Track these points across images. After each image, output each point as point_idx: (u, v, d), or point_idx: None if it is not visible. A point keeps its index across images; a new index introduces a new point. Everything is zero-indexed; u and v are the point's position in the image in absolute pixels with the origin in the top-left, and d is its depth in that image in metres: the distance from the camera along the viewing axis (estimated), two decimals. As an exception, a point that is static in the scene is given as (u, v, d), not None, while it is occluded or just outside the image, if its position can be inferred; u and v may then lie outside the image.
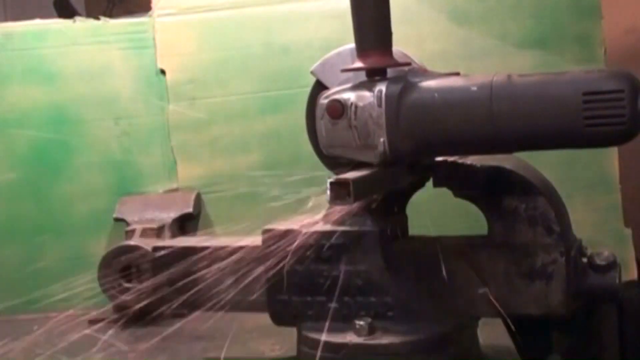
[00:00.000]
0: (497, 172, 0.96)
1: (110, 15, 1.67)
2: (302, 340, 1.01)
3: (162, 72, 1.57)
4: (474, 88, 0.90)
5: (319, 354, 0.97)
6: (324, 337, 0.97)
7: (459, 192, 0.99)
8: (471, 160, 0.98)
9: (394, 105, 0.92)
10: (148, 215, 1.49)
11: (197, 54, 1.57)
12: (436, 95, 0.92)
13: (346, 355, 0.95)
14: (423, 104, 0.92)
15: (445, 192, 0.99)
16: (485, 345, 1.07)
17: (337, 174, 1.01)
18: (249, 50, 1.56)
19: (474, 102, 0.89)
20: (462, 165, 0.97)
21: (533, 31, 1.51)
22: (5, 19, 2.70)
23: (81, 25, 1.59)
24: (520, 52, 1.50)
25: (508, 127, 0.89)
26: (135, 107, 1.58)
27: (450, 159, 0.98)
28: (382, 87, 0.93)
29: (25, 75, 1.58)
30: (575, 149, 0.92)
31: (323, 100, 0.97)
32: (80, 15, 1.89)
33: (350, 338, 0.96)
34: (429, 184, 1.02)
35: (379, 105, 0.93)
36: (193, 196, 1.53)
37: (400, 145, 0.93)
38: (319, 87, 1.05)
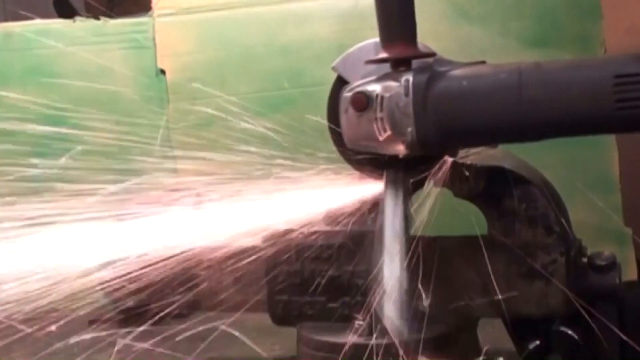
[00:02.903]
0: (497, 172, 0.96)
1: (110, 15, 1.67)
2: (302, 340, 1.01)
3: (162, 72, 1.57)
4: (503, 75, 0.89)
5: (318, 354, 0.97)
6: (324, 337, 0.97)
7: (459, 192, 0.99)
8: (471, 160, 0.98)
9: (422, 93, 0.91)
10: (148, 215, 1.49)
11: (197, 54, 1.57)
12: (464, 82, 0.91)
13: (346, 355, 0.95)
14: (451, 92, 0.91)
15: (445, 192, 0.99)
16: (485, 345, 1.07)
17: (360, 172, 1.01)
18: (249, 50, 1.56)
19: (503, 89, 0.89)
20: (462, 165, 0.97)
21: (533, 31, 1.51)
22: (5, 19, 2.70)
23: (81, 25, 1.59)
24: (520, 51, 1.50)
25: (538, 113, 0.88)
26: (135, 107, 1.58)
27: (450, 159, 0.98)
28: (408, 76, 0.92)
29: (25, 75, 1.58)
30: (605, 135, 0.90)
31: (347, 93, 0.96)
32: (80, 15, 1.88)
33: (350, 338, 0.96)
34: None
35: (406, 95, 0.92)
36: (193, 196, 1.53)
37: (429, 134, 0.92)
38: (341, 83, 1.04)
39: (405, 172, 0.93)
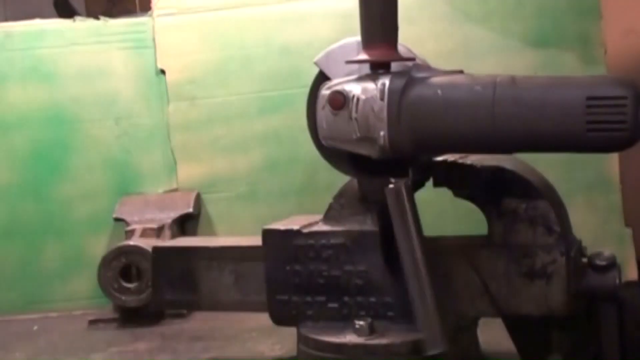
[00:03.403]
0: (497, 172, 0.96)
1: (110, 15, 1.67)
2: (302, 340, 1.01)
3: (162, 72, 1.57)
4: (478, 88, 0.90)
5: (318, 354, 0.97)
6: (323, 337, 0.97)
7: (459, 192, 0.99)
8: (471, 160, 0.98)
9: (397, 99, 0.92)
10: (148, 215, 1.49)
11: (197, 54, 1.57)
12: (439, 92, 0.91)
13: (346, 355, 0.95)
14: (426, 100, 0.92)
15: (445, 192, 0.99)
16: (485, 345, 1.07)
17: (335, 167, 1.01)
18: (249, 50, 1.56)
19: (476, 101, 0.89)
20: (462, 165, 0.97)
21: (534, 31, 1.51)
22: (5, 19, 2.70)
23: (81, 25, 1.59)
24: (520, 52, 1.50)
25: (509, 129, 0.89)
26: (135, 107, 1.58)
27: (451, 158, 0.98)
28: (385, 80, 0.93)
29: (25, 75, 1.58)
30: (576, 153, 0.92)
31: (325, 91, 0.97)
32: (80, 15, 1.89)
33: (350, 338, 0.96)
34: (429, 184, 1.02)
35: (382, 99, 0.92)
36: (193, 196, 1.53)
37: (400, 140, 0.92)
38: (322, 78, 1.04)
39: (408, 190, 0.93)
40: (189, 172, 1.57)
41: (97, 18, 1.60)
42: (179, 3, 1.57)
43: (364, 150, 0.95)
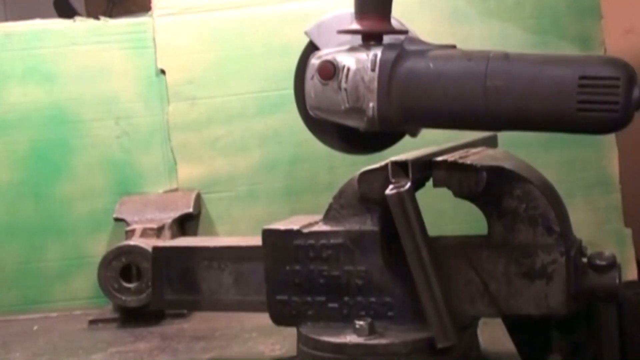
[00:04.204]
0: (497, 172, 0.96)
1: (110, 15, 1.67)
2: (302, 340, 1.01)
3: (162, 72, 1.57)
4: (470, 62, 0.89)
5: (318, 354, 0.97)
6: (323, 337, 0.97)
7: (459, 192, 0.99)
8: (471, 160, 0.98)
9: (388, 71, 0.91)
10: (148, 215, 1.49)
11: (197, 54, 1.57)
12: (431, 65, 0.91)
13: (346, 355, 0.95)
14: (417, 73, 0.91)
15: (445, 192, 0.99)
16: (486, 345, 1.07)
17: (319, 138, 1.01)
18: (249, 50, 1.56)
19: (468, 75, 0.89)
20: (462, 165, 0.97)
21: (533, 31, 1.51)
22: (5, 19, 2.70)
23: (81, 25, 1.59)
24: (520, 52, 1.50)
25: (500, 104, 0.88)
26: (135, 107, 1.58)
27: (451, 159, 0.98)
28: (377, 51, 0.92)
29: (25, 75, 1.58)
30: (568, 134, 0.92)
31: (315, 60, 0.96)
32: (80, 15, 1.89)
33: (350, 338, 0.96)
34: (429, 184, 1.02)
35: (372, 70, 0.92)
36: (193, 196, 1.53)
37: (389, 112, 0.92)
38: (312, 48, 1.04)
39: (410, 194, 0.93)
40: (189, 172, 1.57)
41: (97, 18, 1.60)
42: (179, 3, 1.57)
43: (351, 121, 0.94)
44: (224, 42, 1.57)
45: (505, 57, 0.89)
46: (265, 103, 1.56)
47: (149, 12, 1.58)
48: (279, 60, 1.54)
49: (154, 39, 1.57)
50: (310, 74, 0.96)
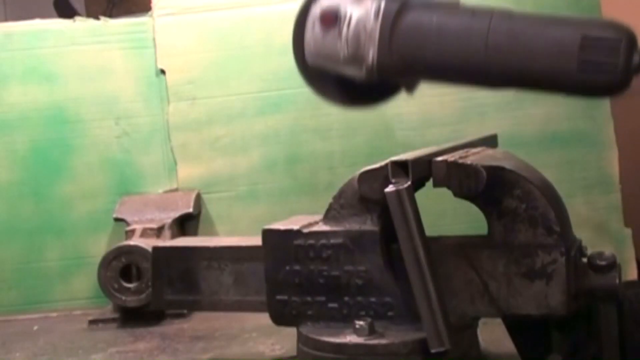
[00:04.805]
0: (497, 172, 0.96)
1: (110, 15, 1.67)
2: (302, 340, 1.01)
3: (162, 72, 1.57)
4: (474, 17, 0.89)
5: (318, 354, 0.97)
6: (323, 337, 0.97)
7: (459, 192, 0.99)
8: (471, 160, 0.98)
9: (390, 20, 0.91)
10: (148, 215, 1.49)
11: (197, 54, 1.57)
12: (434, 18, 0.91)
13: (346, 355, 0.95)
14: (420, 24, 0.91)
15: (445, 192, 0.99)
16: (486, 345, 1.07)
17: (316, 92, 1.00)
18: (249, 50, 1.56)
19: (470, 30, 0.89)
20: (462, 165, 0.97)
21: (533, 31, 1.51)
22: (5, 19, 2.70)
23: (81, 25, 1.59)
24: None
25: (501, 61, 0.88)
26: (135, 107, 1.58)
27: (451, 159, 0.98)
28: (381, 1, 0.93)
29: (25, 75, 1.58)
30: (567, 97, 0.92)
31: (317, 7, 0.96)
32: (80, 15, 1.89)
33: (350, 338, 0.96)
34: (429, 184, 1.02)
35: (375, 18, 0.92)
36: (193, 196, 1.53)
37: (389, 62, 0.92)
38: None
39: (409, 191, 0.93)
40: (189, 172, 1.57)
41: (97, 18, 1.60)
42: (179, 3, 1.58)
43: (350, 71, 0.94)
44: (224, 42, 1.57)
45: (509, 15, 0.89)
46: (265, 103, 1.56)
47: (149, 12, 1.58)
48: (279, 60, 1.54)
49: (154, 39, 1.57)
50: (312, 21, 0.95)
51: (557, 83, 0.88)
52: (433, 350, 0.89)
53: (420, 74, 0.95)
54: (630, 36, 0.86)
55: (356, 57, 0.92)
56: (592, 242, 1.02)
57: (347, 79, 0.96)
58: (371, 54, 0.92)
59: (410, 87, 1.01)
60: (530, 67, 0.87)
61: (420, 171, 0.95)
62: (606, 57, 0.85)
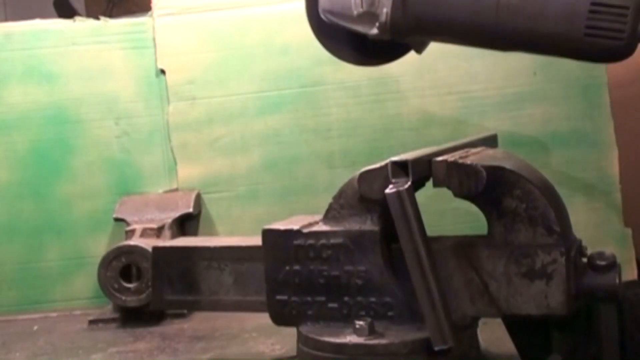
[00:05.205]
0: (497, 172, 0.96)
1: (110, 15, 1.67)
2: (302, 340, 1.01)
3: (162, 72, 1.57)
4: None
5: (318, 354, 0.97)
6: (324, 337, 0.97)
7: (459, 192, 0.99)
8: (471, 160, 0.98)
9: None
10: (148, 215, 1.49)
11: (197, 54, 1.57)
12: None
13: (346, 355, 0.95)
14: None
15: (445, 192, 0.99)
16: (486, 345, 1.07)
17: (329, 49, 1.00)
18: (249, 50, 1.56)
19: None
20: (462, 165, 0.97)
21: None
22: (5, 19, 2.70)
23: (81, 25, 1.59)
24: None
25: (511, 22, 0.91)
26: (135, 107, 1.58)
27: (451, 159, 0.98)
28: None
29: (25, 75, 1.58)
30: (572, 59, 0.94)
31: None
32: (80, 15, 1.89)
33: (350, 338, 0.96)
34: (429, 184, 1.02)
35: None
36: (193, 196, 1.53)
37: (402, 20, 0.93)
38: None
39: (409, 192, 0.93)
40: (189, 172, 1.57)
41: (97, 18, 1.60)
42: (179, 3, 1.57)
43: (363, 27, 0.96)
44: (224, 42, 1.57)
45: None
46: (265, 103, 1.56)
47: (149, 12, 1.58)
48: (279, 60, 1.54)
49: (154, 39, 1.57)
50: None
51: (565, 46, 0.91)
52: (436, 348, 0.90)
53: (431, 33, 0.97)
54: (637, 5, 0.88)
55: (370, 14, 0.94)
56: (592, 242, 1.02)
57: (358, 36, 0.97)
58: (385, 11, 0.93)
59: (420, 47, 1.03)
60: (539, 28, 0.90)
61: (420, 171, 0.95)
62: (613, 23, 0.88)
